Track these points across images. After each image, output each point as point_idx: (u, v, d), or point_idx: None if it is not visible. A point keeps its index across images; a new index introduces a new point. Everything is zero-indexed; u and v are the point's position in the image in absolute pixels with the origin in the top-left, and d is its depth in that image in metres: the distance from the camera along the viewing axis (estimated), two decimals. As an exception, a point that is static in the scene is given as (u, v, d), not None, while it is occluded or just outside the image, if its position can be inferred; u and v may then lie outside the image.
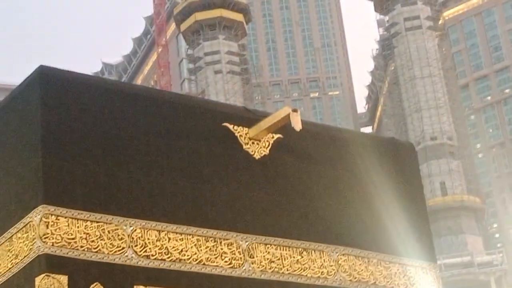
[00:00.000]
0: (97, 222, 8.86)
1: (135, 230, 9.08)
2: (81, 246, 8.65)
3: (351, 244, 10.69)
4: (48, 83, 9.18)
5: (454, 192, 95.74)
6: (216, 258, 9.51)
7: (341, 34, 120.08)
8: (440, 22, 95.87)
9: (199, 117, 10.22)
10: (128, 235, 9.01)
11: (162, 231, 9.25)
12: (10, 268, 8.88)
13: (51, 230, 8.53)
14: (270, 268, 9.87)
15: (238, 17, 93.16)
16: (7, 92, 10.62)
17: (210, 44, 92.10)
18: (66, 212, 8.70)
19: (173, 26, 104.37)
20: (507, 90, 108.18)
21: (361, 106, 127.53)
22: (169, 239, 9.26)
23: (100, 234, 8.83)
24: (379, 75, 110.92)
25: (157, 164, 9.59)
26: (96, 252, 8.73)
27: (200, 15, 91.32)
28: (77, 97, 9.31)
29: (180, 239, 9.33)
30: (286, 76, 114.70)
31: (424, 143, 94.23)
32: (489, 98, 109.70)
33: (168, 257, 9.18)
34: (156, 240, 9.17)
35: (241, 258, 9.70)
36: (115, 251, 8.86)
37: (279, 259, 10.00)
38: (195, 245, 9.41)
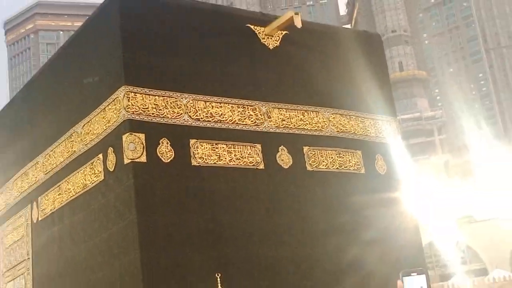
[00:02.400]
0: (163, 96, 8.83)
1: (189, 101, 9.05)
2: (152, 113, 8.66)
3: (338, 106, 10.61)
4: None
5: (408, 68, 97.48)
6: (245, 119, 9.50)
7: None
8: None
9: (230, 20, 10.02)
10: (184, 105, 8.99)
11: (207, 101, 9.21)
12: (105, 130, 8.96)
13: (131, 103, 8.53)
14: (282, 125, 9.86)
15: None
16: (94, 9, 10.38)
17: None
18: (141, 90, 8.66)
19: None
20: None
21: (343, 10, 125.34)
22: (212, 106, 9.22)
23: (165, 105, 8.81)
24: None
25: (202, 54, 9.46)
26: (163, 117, 8.74)
27: None
28: (150, 8, 9.18)
29: (220, 107, 9.30)
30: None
31: (387, 35, 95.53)
32: (432, 0, 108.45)
33: (212, 119, 9.17)
34: (203, 108, 9.14)
35: (262, 118, 9.68)
36: (176, 116, 8.86)
37: (288, 118, 9.97)
38: (230, 110, 9.38)
